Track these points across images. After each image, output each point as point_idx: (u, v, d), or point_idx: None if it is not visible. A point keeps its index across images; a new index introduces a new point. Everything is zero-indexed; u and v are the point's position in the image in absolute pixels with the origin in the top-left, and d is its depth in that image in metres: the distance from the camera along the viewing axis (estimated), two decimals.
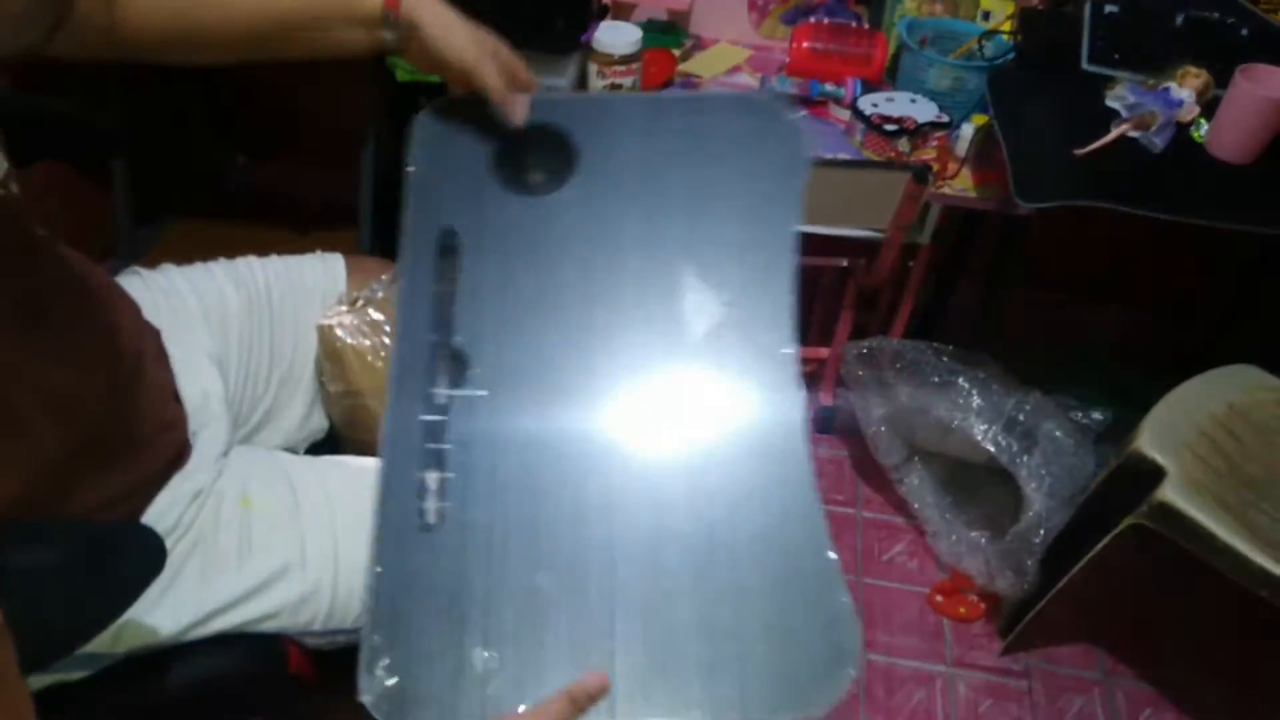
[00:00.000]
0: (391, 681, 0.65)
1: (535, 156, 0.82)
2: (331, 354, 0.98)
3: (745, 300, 0.78)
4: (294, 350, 0.98)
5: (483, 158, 0.82)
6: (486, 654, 0.66)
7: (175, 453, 0.77)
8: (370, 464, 0.88)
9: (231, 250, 1.03)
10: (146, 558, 0.70)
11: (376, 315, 1.00)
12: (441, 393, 0.74)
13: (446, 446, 0.73)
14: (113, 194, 1.79)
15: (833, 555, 0.68)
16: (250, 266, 1.00)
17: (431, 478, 0.72)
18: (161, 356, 0.82)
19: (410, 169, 0.81)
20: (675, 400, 0.75)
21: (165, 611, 0.73)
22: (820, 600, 0.67)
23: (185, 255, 1.00)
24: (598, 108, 0.88)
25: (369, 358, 0.98)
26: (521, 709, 0.63)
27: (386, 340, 1.00)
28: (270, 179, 2.07)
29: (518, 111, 0.80)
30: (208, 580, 0.74)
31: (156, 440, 0.76)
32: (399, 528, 0.70)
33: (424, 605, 0.68)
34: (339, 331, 0.98)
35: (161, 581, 0.71)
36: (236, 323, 0.94)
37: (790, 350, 0.75)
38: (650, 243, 0.80)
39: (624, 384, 0.75)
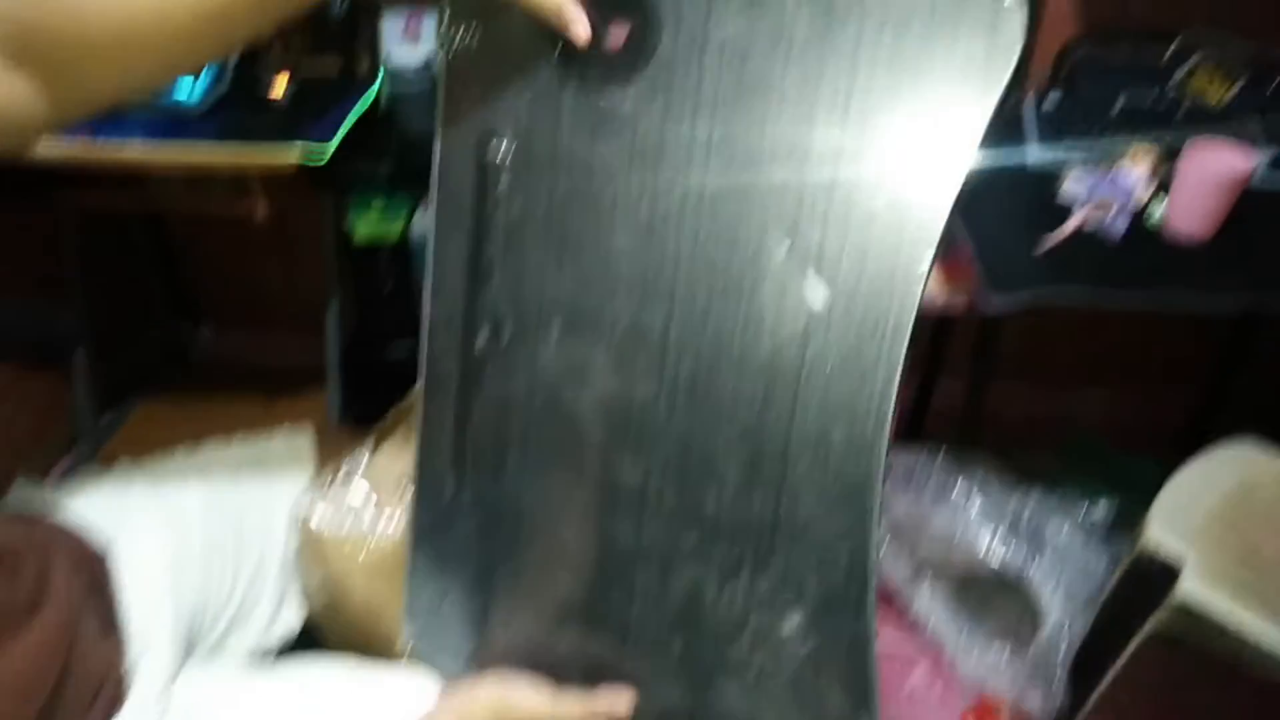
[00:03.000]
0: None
1: (602, 16, 0.64)
2: (309, 546, 0.93)
3: (849, 307, 0.65)
4: (263, 541, 0.93)
5: (531, 31, 0.66)
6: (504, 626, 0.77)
7: (109, 706, 0.70)
8: (350, 665, 0.82)
9: (199, 427, 1.00)
10: None
11: (358, 491, 0.96)
12: (479, 342, 0.73)
13: (474, 410, 0.74)
14: (72, 384, 1.76)
15: None
16: (212, 456, 0.97)
17: (461, 445, 0.75)
18: (101, 596, 0.76)
19: (442, 53, 0.69)
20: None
21: None
22: None
23: (150, 439, 0.97)
24: None
25: (348, 547, 0.93)
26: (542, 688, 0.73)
27: (368, 520, 0.95)
28: (236, 349, 2.05)
29: (580, 28, 0.63)
30: None
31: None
32: (436, 468, 0.76)
33: (454, 571, 0.77)
34: (315, 521, 0.93)
35: None
36: (199, 521, 0.89)
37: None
38: (747, 167, 0.64)
39: (679, 371, 0.68)
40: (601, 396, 0.71)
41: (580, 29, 0.64)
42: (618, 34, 0.65)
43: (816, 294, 0.65)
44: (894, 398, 0.65)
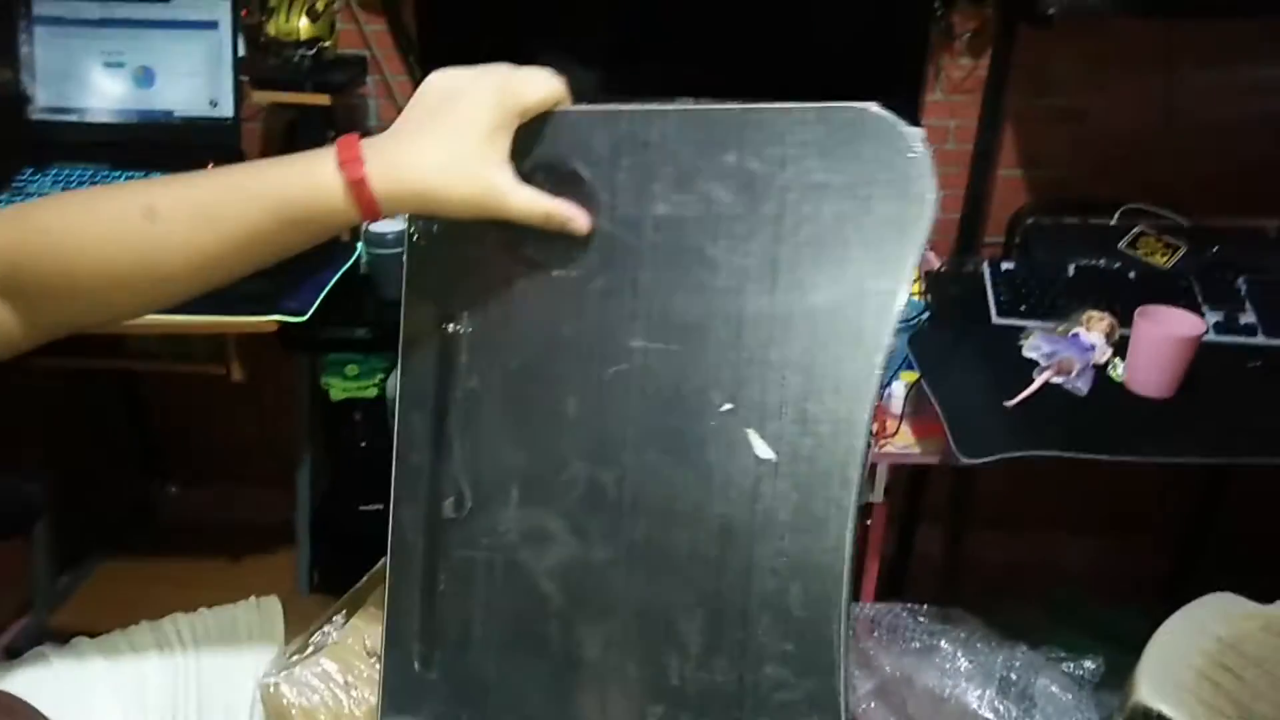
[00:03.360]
0: None
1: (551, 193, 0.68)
2: (277, 717, 0.89)
3: (795, 461, 0.66)
4: (227, 717, 0.89)
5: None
6: None
7: None
8: None
9: (161, 588, 0.97)
10: None
11: (328, 664, 0.93)
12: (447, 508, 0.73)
13: (440, 581, 0.73)
14: (31, 543, 1.71)
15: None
16: (176, 626, 0.93)
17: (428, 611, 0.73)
18: None
19: (409, 236, 0.72)
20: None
21: None
22: None
23: (111, 602, 0.94)
24: (621, 130, 0.68)
25: (320, 717, 0.89)
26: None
27: (339, 693, 0.92)
28: (203, 506, 2.01)
29: (579, 219, 0.68)
30: None
31: None
32: (405, 641, 0.74)
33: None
34: (284, 689, 0.89)
35: None
36: (157, 699, 0.85)
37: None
38: (686, 332, 0.68)
39: (634, 534, 0.69)
40: (560, 562, 0.71)
41: (579, 222, 0.68)
42: None
43: (762, 450, 0.67)
44: (850, 550, 0.65)
